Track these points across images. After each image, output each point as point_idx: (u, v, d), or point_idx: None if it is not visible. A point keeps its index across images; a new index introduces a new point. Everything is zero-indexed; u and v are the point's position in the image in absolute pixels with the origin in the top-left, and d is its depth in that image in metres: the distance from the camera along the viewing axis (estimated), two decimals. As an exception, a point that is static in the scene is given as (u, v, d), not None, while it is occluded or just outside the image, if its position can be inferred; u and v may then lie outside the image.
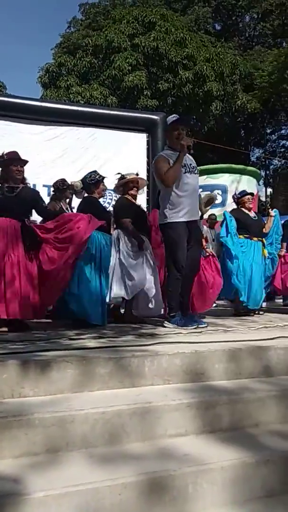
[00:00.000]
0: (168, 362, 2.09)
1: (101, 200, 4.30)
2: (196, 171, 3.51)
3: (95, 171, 4.03)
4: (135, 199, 4.18)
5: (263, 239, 4.94)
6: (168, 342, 2.50)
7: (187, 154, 3.50)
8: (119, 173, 4.24)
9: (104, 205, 8.58)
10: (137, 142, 10.41)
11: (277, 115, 23.45)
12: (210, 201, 4.95)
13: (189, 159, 3.53)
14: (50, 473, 1.46)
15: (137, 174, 4.26)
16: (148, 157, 10.69)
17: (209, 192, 10.57)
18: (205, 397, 1.89)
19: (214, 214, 7.62)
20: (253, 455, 1.62)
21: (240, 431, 1.86)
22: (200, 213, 3.49)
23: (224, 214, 4.91)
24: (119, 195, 4.26)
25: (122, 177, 4.21)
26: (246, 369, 2.25)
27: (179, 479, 1.47)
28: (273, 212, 5.20)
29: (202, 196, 4.76)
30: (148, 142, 10.79)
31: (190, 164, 3.52)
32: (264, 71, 17.69)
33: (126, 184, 4.15)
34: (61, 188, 4.57)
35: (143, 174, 7.22)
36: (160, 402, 1.79)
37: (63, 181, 4.59)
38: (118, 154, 9.45)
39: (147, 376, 2.04)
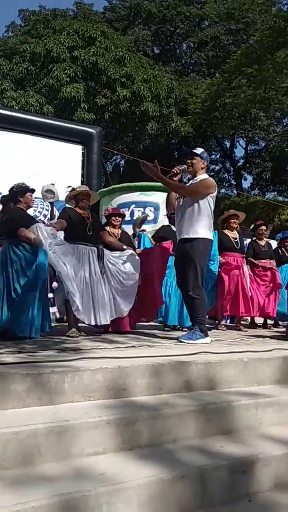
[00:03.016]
0: (90, 378, 2.05)
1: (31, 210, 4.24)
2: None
3: (22, 183, 4.02)
4: (85, 209, 4.19)
5: None
6: (91, 357, 2.45)
7: (192, 181, 3.79)
8: (69, 186, 4.28)
9: (35, 214, 8.35)
10: (72, 153, 10.37)
11: (208, 141, 24.70)
12: (142, 221, 5.10)
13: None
14: None
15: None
16: (83, 169, 10.69)
17: (141, 209, 10.79)
18: (125, 414, 1.86)
19: (145, 230, 7.75)
20: (169, 471, 1.62)
21: (158, 447, 1.86)
22: (187, 233, 3.65)
23: (140, 235, 5.03)
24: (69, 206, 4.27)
25: (73, 189, 4.24)
26: (167, 384, 2.27)
27: (93, 499, 1.42)
28: None
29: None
30: (83, 154, 10.79)
31: None
32: (198, 98, 18.60)
33: (76, 196, 4.18)
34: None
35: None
36: (78, 420, 1.74)
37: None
38: (51, 164, 9.31)
39: (67, 393, 1.97)
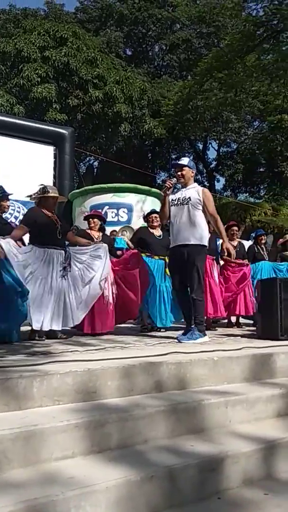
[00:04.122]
0: (59, 382, 2.02)
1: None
2: (186, 202, 3.87)
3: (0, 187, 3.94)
4: (53, 212, 4.09)
5: (166, 257, 5.07)
6: (61, 360, 2.42)
7: (185, 189, 3.97)
8: (42, 184, 4.14)
9: (6, 216, 8.21)
10: (44, 154, 10.26)
11: (181, 142, 24.94)
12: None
13: (184, 192, 3.94)
14: None
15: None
16: (55, 170, 10.58)
17: (115, 210, 10.75)
18: (94, 416, 1.85)
19: (115, 230, 7.76)
20: (138, 472, 1.62)
21: (128, 449, 1.86)
22: (189, 238, 3.81)
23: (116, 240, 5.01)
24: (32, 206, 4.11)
25: (45, 189, 4.05)
26: (138, 386, 2.27)
27: (61, 504, 1.41)
28: None
29: None
30: (55, 155, 10.69)
31: (183, 198, 3.91)
32: (170, 100, 18.73)
33: (46, 199, 4.01)
34: None
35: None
36: (46, 424, 1.71)
37: None
38: (22, 165, 9.19)
39: (35, 397, 1.94)
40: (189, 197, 3.88)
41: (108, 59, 18.44)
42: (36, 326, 3.67)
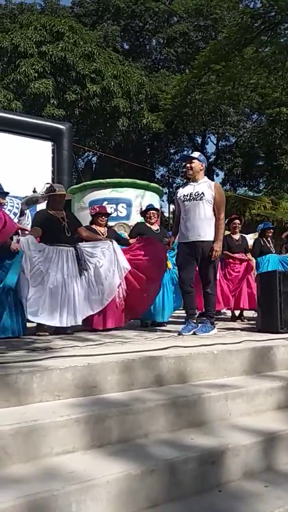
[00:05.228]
0: (59, 377, 2.03)
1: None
2: (199, 198, 3.88)
3: None
4: (60, 209, 4.12)
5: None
6: (61, 356, 2.42)
7: (196, 184, 3.97)
8: (48, 183, 4.21)
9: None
10: (42, 150, 10.22)
11: (179, 137, 24.86)
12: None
13: (196, 187, 3.94)
14: None
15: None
16: (53, 166, 10.55)
17: (114, 205, 10.74)
18: (94, 411, 1.85)
19: (112, 226, 7.72)
20: (139, 466, 1.62)
21: (129, 443, 1.86)
22: (205, 234, 3.86)
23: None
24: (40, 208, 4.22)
25: (51, 188, 4.10)
26: (138, 380, 2.27)
27: (62, 498, 1.41)
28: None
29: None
30: (53, 151, 10.65)
31: (196, 193, 3.91)
32: (168, 94, 18.62)
33: (53, 197, 4.09)
34: None
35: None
36: (47, 419, 1.71)
37: None
38: (20, 160, 9.15)
39: (35, 393, 1.94)
40: (202, 193, 3.89)
41: (105, 53, 18.31)
42: (39, 321, 3.70)
